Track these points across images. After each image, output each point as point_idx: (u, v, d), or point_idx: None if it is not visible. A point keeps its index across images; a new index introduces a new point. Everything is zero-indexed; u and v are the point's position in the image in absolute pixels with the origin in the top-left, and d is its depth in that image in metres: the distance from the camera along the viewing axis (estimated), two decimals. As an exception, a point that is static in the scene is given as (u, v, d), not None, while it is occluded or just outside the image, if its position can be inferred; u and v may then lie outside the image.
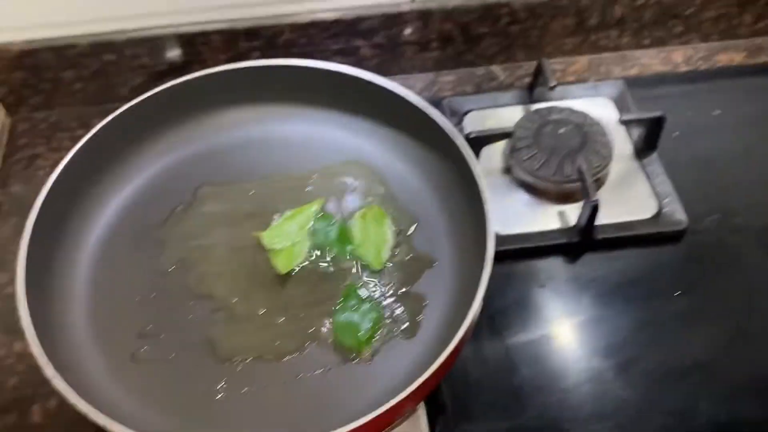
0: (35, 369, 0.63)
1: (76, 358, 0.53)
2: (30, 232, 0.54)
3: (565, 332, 0.64)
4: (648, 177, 0.73)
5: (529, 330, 0.64)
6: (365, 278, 0.59)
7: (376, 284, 0.59)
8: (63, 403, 0.60)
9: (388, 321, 0.57)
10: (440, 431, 0.58)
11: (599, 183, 0.72)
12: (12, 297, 0.67)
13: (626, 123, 0.73)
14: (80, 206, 0.61)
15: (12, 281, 0.69)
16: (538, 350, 0.63)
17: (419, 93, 0.82)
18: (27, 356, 0.63)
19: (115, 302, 0.57)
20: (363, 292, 0.58)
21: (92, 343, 0.55)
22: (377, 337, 0.56)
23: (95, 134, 0.60)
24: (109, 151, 0.63)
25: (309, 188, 0.65)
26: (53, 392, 0.61)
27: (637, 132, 0.75)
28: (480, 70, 0.86)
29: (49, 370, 0.47)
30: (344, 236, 0.61)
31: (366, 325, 0.56)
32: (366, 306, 0.57)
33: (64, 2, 0.74)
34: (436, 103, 0.78)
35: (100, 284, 0.58)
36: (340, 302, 0.58)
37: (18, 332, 0.65)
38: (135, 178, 0.64)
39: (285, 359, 0.55)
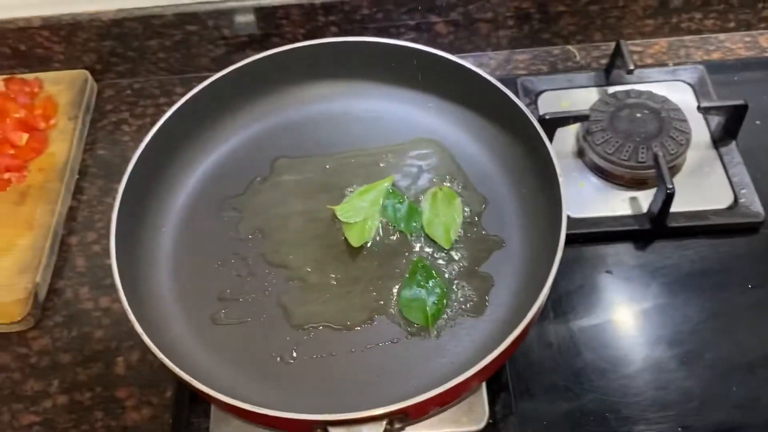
0: (120, 323, 0.68)
1: (161, 317, 0.57)
2: (120, 197, 0.57)
3: (630, 319, 0.64)
4: (725, 166, 0.71)
5: (595, 314, 0.65)
6: (434, 255, 0.61)
7: (444, 262, 0.60)
8: (144, 356, 0.65)
9: (456, 298, 0.58)
10: (501, 409, 0.59)
11: (674, 170, 0.70)
12: (99, 255, 0.72)
13: (706, 110, 0.71)
14: (166, 174, 0.64)
15: (98, 240, 0.74)
16: (602, 335, 0.63)
17: (493, 71, 0.83)
18: (112, 311, 0.68)
19: (196, 266, 0.60)
20: (429, 269, 0.59)
21: (175, 304, 0.58)
22: (444, 314, 0.57)
23: (182, 105, 0.63)
24: (194, 121, 0.65)
25: (382, 164, 0.66)
26: (135, 346, 0.66)
27: (717, 119, 0.73)
28: (556, 50, 0.85)
29: (137, 327, 0.50)
30: (414, 214, 0.62)
31: (431, 300, 0.58)
32: (431, 282, 0.59)
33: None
34: (510, 82, 0.79)
35: (183, 249, 0.61)
36: (407, 278, 0.59)
37: (104, 288, 0.70)
38: (217, 149, 0.67)
39: (355, 329, 0.57)
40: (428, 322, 0.57)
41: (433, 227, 0.61)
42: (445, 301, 0.58)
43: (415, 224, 0.62)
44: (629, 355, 0.62)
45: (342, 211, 0.62)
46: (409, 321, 0.57)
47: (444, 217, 0.61)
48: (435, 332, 0.56)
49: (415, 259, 0.60)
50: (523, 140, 0.62)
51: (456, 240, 0.61)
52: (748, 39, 0.84)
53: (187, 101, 0.63)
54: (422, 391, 0.47)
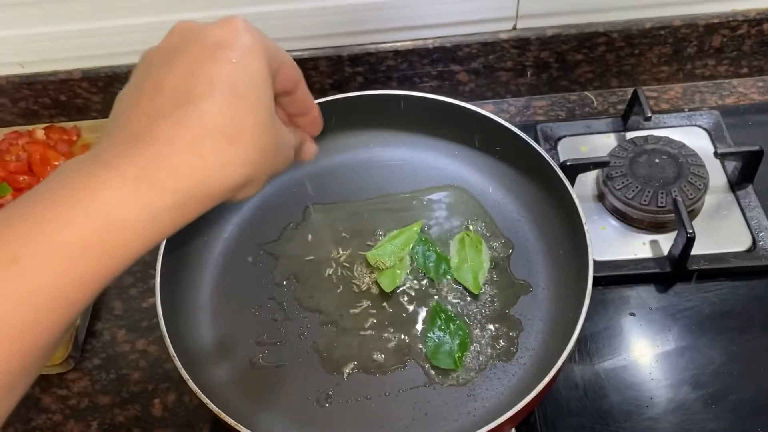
0: (156, 365, 0.70)
1: (201, 360, 0.59)
2: (163, 249, 0.59)
3: (654, 360, 0.66)
4: (742, 209, 0.73)
5: (619, 356, 0.66)
6: (462, 301, 0.63)
7: (472, 308, 0.62)
8: (180, 398, 0.67)
9: (486, 343, 0.60)
10: (530, 450, 0.61)
11: (693, 214, 0.72)
12: (134, 298, 0.75)
13: (723, 156, 0.73)
14: (203, 221, 0.66)
15: (135, 284, 0.76)
16: (627, 377, 0.65)
17: (513, 117, 0.86)
18: (149, 353, 0.71)
19: (235, 311, 0.63)
20: (448, 312, 0.61)
21: (216, 348, 0.60)
22: (475, 358, 0.59)
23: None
24: (230, 170, 0.68)
25: (410, 209, 0.69)
26: (171, 388, 0.68)
27: (733, 164, 0.75)
28: (573, 96, 0.88)
29: (183, 372, 0.52)
30: (442, 260, 0.65)
31: (456, 343, 0.59)
32: (452, 326, 0.60)
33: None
34: (530, 127, 0.81)
35: (221, 294, 0.64)
36: (428, 324, 0.61)
37: (140, 330, 0.72)
38: (252, 197, 0.69)
39: (388, 373, 0.59)
40: (456, 365, 0.59)
41: (462, 272, 0.63)
42: (467, 342, 0.60)
43: (443, 271, 0.64)
44: (654, 397, 0.64)
45: (373, 256, 0.65)
46: (437, 365, 0.59)
47: (472, 263, 0.64)
48: (465, 375, 0.58)
49: (433, 303, 0.62)
50: (547, 187, 0.64)
51: (484, 285, 0.63)
52: (761, 84, 0.87)
53: (224, 152, 0.66)
54: (455, 434, 0.49)
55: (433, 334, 0.60)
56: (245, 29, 0.37)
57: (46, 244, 0.30)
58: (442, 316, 0.61)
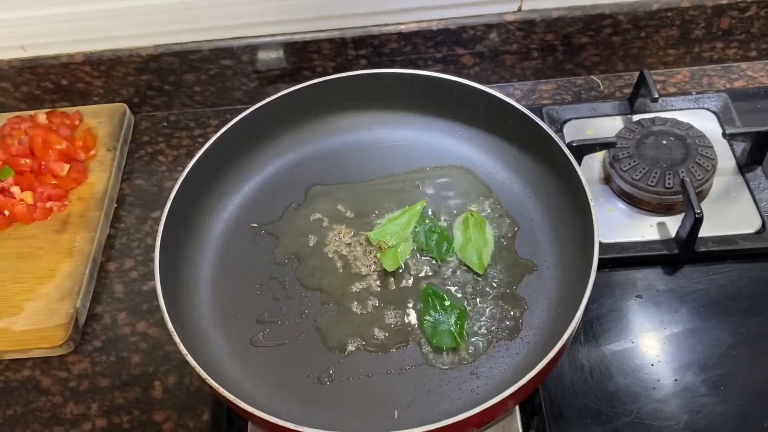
0: (156, 347, 0.69)
1: (202, 340, 0.58)
2: (162, 229, 0.59)
3: (661, 343, 0.65)
4: (752, 191, 0.72)
5: (625, 338, 0.65)
6: (466, 280, 0.62)
7: (477, 286, 0.61)
8: (181, 380, 0.67)
9: (491, 321, 0.59)
10: None
11: (701, 195, 0.71)
12: (136, 281, 0.74)
13: (731, 137, 0.72)
14: (205, 202, 0.66)
15: (136, 267, 0.76)
16: (634, 359, 0.64)
17: (519, 101, 0.85)
18: (149, 336, 0.70)
19: (235, 290, 0.62)
20: (438, 293, 0.60)
21: (215, 327, 0.60)
22: (473, 335, 0.58)
23: (221, 136, 0.65)
24: (231, 152, 0.67)
25: (413, 189, 0.68)
26: (172, 370, 0.67)
27: (742, 146, 0.74)
28: (579, 80, 0.87)
29: (183, 350, 0.51)
30: (445, 240, 0.64)
31: (452, 320, 0.58)
32: (447, 303, 0.59)
33: (187, 11, 0.80)
34: (536, 111, 0.80)
35: (222, 274, 0.63)
36: (422, 307, 0.60)
37: (141, 313, 0.72)
38: (253, 178, 0.69)
39: (390, 351, 0.58)
40: (457, 342, 0.57)
41: (467, 252, 0.62)
42: (464, 315, 0.59)
43: (445, 250, 0.63)
44: (661, 379, 0.62)
45: (375, 236, 0.64)
46: (437, 346, 0.58)
47: (476, 243, 0.63)
48: (468, 353, 0.57)
49: (423, 286, 0.61)
50: (553, 167, 0.63)
51: (489, 264, 0.62)
52: (769, 67, 0.86)
53: (225, 132, 0.65)
54: (459, 412, 0.48)
55: (429, 316, 0.59)
56: None
57: None
58: (434, 298, 0.60)
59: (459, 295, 0.61)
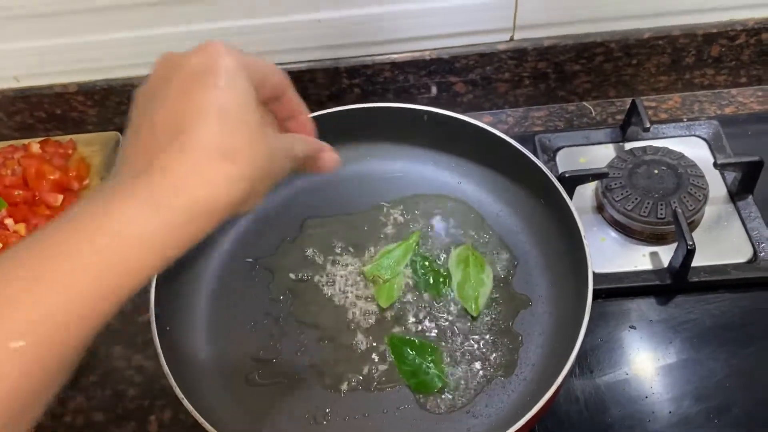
0: (152, 381, 0.69)
1: (197, 377, 0.58)
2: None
3: (655, 374, 0.65)
4: (743, 220, 0.73)
5: (620, 370, 0.65)
6: (461, 315, 0.62)
7: (470, 322, 0.61)
8: (176, 415, 0.66)
9: (486, 359, 0.59)
10: (531, 466, 0.60)
11: (693, 225, 0.72)
12: (130, 313, 0.74)
13: (722, 167, 0.73)
14: (199, 236, 0.66)
15: (131, 299, 0.75)
16: (629, 390, 0.64)
17: (511, 128, 0.85)
18: (145, 369, 0.70)
19: (231, 327, 0.62)
20: (405, 338, 0.60)
21: (211, 364, 0.60)
22: (469, 374, 0.58)
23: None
24: (226, 184, 0.67)
25: (408, 222, 0.68)
26: (168, 405, 0.67)
27: (733, 174, 0.75)
28: (571, 106, 0.88)
29: (178, 392, 0.51)
30: (443, 276, 0.64)
31: (429, 362, 0.58)
32: (417, 344, 0.59)
33: (183, 41, 0.80)
34: (528, 138, 0.81)
35: (217, 309, 0.63)
36: (395, 360, 0.59)
37: (136, 346, 0.72)
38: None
39: (386, 390, 0.58)
40: (443, 381, 0.57)
41: (464, 292, 0.62)
42: (439, 352, 0.59)
43: (443, 287, 0.63)
44: (656, 411, 0.63)
45: (371, 271, 0.64)
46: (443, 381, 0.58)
47: (475, 284, 0.63)
48: (463, 393, 0.57)
49: (394, 335, 0.61)
50: (545, 199, 0.64)
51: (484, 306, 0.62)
52: (760, 93, 0.86)
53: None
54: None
55: (406, 365, 0.59)
56: (224, 52, 0.38)
57: (68, 264, 0.33)
58: (403, 346, 0.60)
59: (456, 330, 0.61)
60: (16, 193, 0.78)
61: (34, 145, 0.84)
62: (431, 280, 0.63)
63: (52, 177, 0.80)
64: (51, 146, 0.84)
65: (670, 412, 0.63)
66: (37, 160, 0.82)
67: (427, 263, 0.65)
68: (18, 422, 0.32)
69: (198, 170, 0.35)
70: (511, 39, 0.81)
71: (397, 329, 0.61)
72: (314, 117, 0.67)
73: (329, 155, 0.49)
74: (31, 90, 0.83)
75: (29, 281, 0.32)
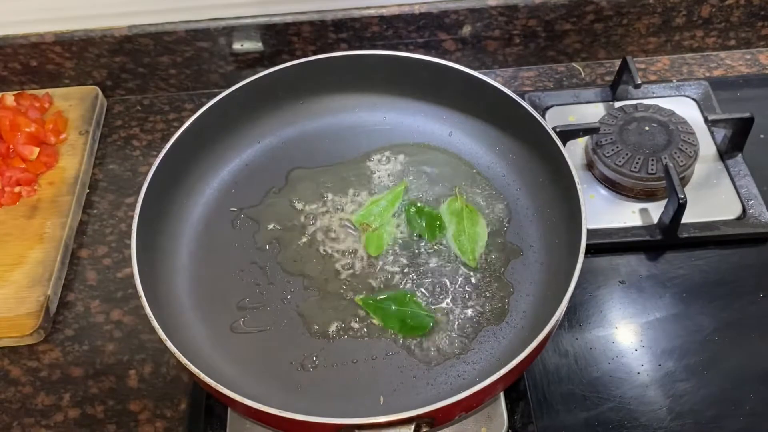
0: (131, 336, 0.67)
1: (181, 326, 0.56)
2: (138, 213, 0.56)
3: (644, 328, 0.65)
4: (732, 178, 0.72)
5: (609, 324, 0.65)
6: (451, 264, 0.61)
7: (464, 270, 0.60)
8: (157, 369, 0.65)
9: (476, 306, 0.58)
10: (519, 418, 0.59)
11: (683, 181, 0.71)
12: (109, 268, 0.72)
13: (713, 123, 0.72)
14: (182, 186, 0.64)
15: (109, 253, 0.73)
16: (617, 344, 0.64)
17: (500, 88, 0.84)
18: (124, 324, 0.68)
19: (215, 276, 0.60)
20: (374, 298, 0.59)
21: (195, 313, 0.58)
22: (460, 321, 0.57)
23: (198, 118, 0.63)
24: (209, 135, 0.65)
25: (397, 172, 0.67)
26: (148, 359, 0.65)
27: (723, 133, 0.75)
28: (561, 67, 0.87)
29: (162, 335, 0.49)
30: (438, 219, 0.62)
31: (411, 310, 0.58)
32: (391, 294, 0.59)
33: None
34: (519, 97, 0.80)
35: (201, 259, 0.61)
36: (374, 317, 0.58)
37: (115, 301, 0.70)
38: (232, 161, 0.67)
39: (374, 337, 0.57)
40: (432, 318, 0.57)
41: (461, 244, 0.61)
42: (412, 296, 0.58)
43: (439, 232, 0.62)
44: (645, 365, 0.62)
45: (359, 219, 0.63)
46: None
47: (470, 236, 0.61)
48: (455, 340, 0.56)
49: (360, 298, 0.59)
50: (539, 151, 0.63)
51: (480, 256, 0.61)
52: (748, 57, 0.86)
53: (201, 115, 0.63)
54: (445, 397, 0.47)
55: (390, 319, 0.57)
56: None
57: None
58: (378, 304, 0.58)
59: (447, 278, 0.60)
60: (-10, 144, 0.76)
61: (9, 97, 0.81)
62: (428, 228, 0.62)
63: (27, 130, 0.78)
64: (26, 99, 0.82)
65: (658, 366, 0.62)
66: (12, 113, 0.79)
67: (419, 208, 0.63)
68: None
69: None
70: (503, -7, 0.80)
71: (386, 278, 0.60)
72: (302, 63, 0.67)
73: None
74: (5, 40, 0.80)
75: None
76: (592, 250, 0.69)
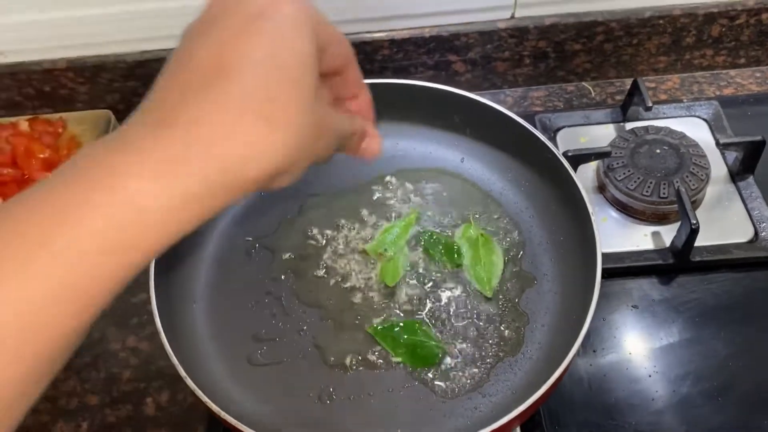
0: (148, 363, 0.68)
1: (197, 357, 0.57)
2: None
3: (658, 353, 0.65)
4: (744, 200, 0.72)
5: (623, 350, 0.65)
6: (466, 293, 0.61)
7: (479, 300, 0.61)
8: (174, 397, 0.65)
9: (492, 337, 0.58)
10: (535, 445, 0.59)
11: (695, 205, 0.72)
12: (125, 294, 0.72)
13: (725, 146, 0.72)
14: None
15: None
16: (631, 370, 0.64)
17: (510, 108, 0.84)
18: (140, 351, 0.68)
19: (231, 307, 0.61)
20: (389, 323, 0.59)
21: (211, 344, 0.58)
22: (475, 352, 0.57)
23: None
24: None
25: (410, 200, 0.67)
26: (164, 386, 0.66)
27: (734, 155, 0.75)
28: (570, 86, 0.87)
29: (181, 371, 0.50)
30: (453, 250, 0.63)
31: (420, 339, 0.58)
32: (402, 325, 0.59)
33: (176, 17, 0.78)
34: (528, 118, 0.79)
35: (217, 290, 0.62)
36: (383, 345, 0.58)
37: (131, 327, 0.70)
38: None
39: (392, 368, 0.57)
40: (442, 348, 0.57)
41: (477, 273, 0.61)
42: (420, 325, 0.58)
43: (457, 257, 0.62)
44: (659, 390, 0.63)
45: (373, 248, 0.63)
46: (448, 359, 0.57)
47: (486, 265, 0.61)
48: (470, 372, 0.57)
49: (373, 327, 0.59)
50: (550, 177, 0.63)
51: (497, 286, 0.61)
52: (758, 75, 0.86)
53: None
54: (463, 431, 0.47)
55: (399, 349, 0.57)
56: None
57: (63, 243, 0.28)
58: (387, 333, 0.58)
59: (462, 308, 0.60)
60: (5, 171, 0.76)
61: (23, 123, 0.82)
62: (446, 255, 0.62)
63: (41, 156, 0.78)
64: (40, 124, 0.82)
65: (673, 391, 0.63)
66: (26, 138, 0.79)
67: (436, 237, 0.63)
68: (11, 410, 0.30)
69: (231, 130, 0.30)
70: (512, 17, 0.80)
71: (402, 308, 0.60)
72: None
73: (373, 140, 0.43)
74: (19, 66, 0.81)
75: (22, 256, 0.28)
76: (605, 275, 0.68)
